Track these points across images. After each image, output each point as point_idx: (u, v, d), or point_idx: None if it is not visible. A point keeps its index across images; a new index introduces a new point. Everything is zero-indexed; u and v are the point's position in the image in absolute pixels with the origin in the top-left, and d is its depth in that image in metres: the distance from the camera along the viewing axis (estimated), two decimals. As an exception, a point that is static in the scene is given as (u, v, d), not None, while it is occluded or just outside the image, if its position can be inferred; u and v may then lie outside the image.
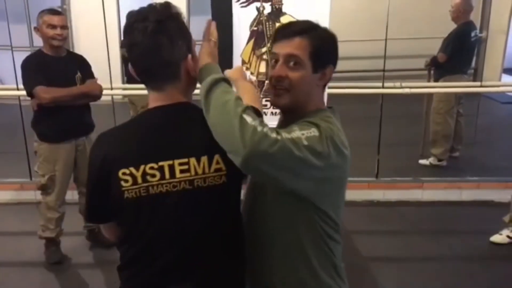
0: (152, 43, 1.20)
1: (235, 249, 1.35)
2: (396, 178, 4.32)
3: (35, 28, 3.04)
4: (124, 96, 5.40)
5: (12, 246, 3.55)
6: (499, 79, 8.07)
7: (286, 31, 1.34)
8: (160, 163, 1.22)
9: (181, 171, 1.22)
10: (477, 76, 7.43)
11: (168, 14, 1.23)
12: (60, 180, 3.14)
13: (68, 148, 3.13)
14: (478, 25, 6.25)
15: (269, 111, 3.17)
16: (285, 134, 1.15)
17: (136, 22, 1.21)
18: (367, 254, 3.39)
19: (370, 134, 4.49)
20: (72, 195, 3.50)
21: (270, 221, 1.34)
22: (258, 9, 3.42)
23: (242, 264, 1.38)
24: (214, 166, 1.24)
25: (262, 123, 1.15)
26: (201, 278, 1.29)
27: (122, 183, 1.22)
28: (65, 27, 3.02)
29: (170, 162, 1.22)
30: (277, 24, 3.44)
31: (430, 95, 4.90)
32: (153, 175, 1.22)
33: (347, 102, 5.20)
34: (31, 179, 4.11)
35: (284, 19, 3.44)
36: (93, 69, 3.24)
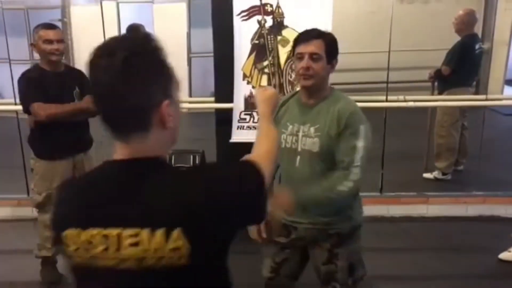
0: (116, 86, 0.97)
1: None
2: (401, 193, 4.25)
3: (31, 44, 2.99)
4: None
5: (8, 264, 3.47)
6: (502, 91, 8.04)
7: (307, 36, 1.93)
8: (107, 230, 0.97)
9: (130, 245, 0.96)
10: (479, 88, 7.39)
11: (142, 48, 1.00)
12: (57, 198, 3.06)
13: (66, 165, 3.06)
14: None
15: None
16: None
17: (101, 57, 0.99)
18: (371, 272, 3.27)
19: (373, 147, 4.40)
20: (70, 212, 3.44)
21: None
22: (259, 22, 3.38)
23: None
24: (171, 244, 0.95)
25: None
26: None
27: (66, 246, 1.01)
28: (61, 41, 2.97)
29: (119, 230, 0.97)
30: (279, 38, 3.40)
31: (434, 108, 4.84)
32: (97, 245, 0.98)
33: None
34: (28, 195, 4.03)
35: (285, 33, 3.40)
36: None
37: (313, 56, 1.87)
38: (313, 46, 1.88)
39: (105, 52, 0.99)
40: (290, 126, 1.97)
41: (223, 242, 1.03)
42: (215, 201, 0.98)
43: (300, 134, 1.93)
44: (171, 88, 1.04)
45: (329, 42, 1.93)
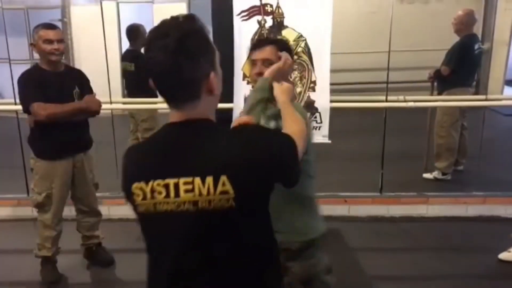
0: (172, 63, 1.14)
1: (245, 276, 1.25)
2: (401, 193, 4.24)
3: (31, 44, 2.98)
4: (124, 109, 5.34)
5: (8, 264, 3.47)
6: (502, 91, 8.05)
7: (260, 43, 2.01)
8: (166, 180, 1.18)
9: (185, 191, 1.16)
10: (479, 88, 7.39)
11: (191, 29, 1.17)
12: (57, 198, 3.07)
13: (66, 165, 3.06)
14: (479, 37, 6.21)
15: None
16: None
17: (156, 39, 1.16)
18: (371, 272, 3.30)
19: (373, 147, 4.43)
20: (70, 211, 3.44)
21: None
22: (259, 22, 3.38)
23: None
24: (220, 188, 1.15)
25: None
26: None
27: (135, 197, 1.22)
28: (61, 41, 2.96)
29: (176, 180, 1.17)
30: (279, 38, 3.40)
31: (434, 108, 4.84)
32: (160, 192, 1.19)
33: (350, 114, 5.20)
34: (28, 195, 4.03)
35: (285, 33, 3.40)
36: (93, 82, 3.18)
37: (265, 62, 1.95)
38: (266, 53, 1.96)
39: (160, 35, 1.16)
40: None
41: (262, 191, 1.23)
42: (254, 156, 1.18)
43: None
44: (215, 60, 1.23)
45: (281, 48, 2.00)
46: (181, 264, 1.23)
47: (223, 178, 1.14)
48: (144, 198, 1.20)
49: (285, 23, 3.38)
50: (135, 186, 1.21)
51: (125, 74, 4.94)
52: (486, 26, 7.92)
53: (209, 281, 1.23)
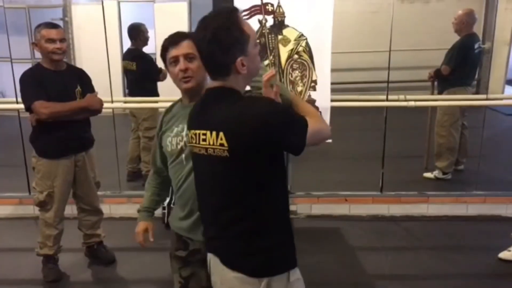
0: (207, 50, 1.50)
1: (245, 215, 1.55)
2: (401, 192, 4.25)
3: (33, 43, 2.99)
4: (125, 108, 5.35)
5: (9, 262, 3.48)
6: (502, 91, 8.04)
7: (175, 39, 1.85)
8: (194, 131, 1.60)
9: (202, 140, 1.55)
10: (480, 87, 7.39)
11: (224, 24, 1.47)
12: (58, 197, 3.08)
13: (67, 164, 3.07)
14: (480, 37, 6.21)
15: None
16: None
17: (199, 30, 1.51)
18: (372, 271, 3.31)
19: (374, 146, 4.44)
20: (71, 210, 3.45)
21: None
22: (260, 21, 3.39)
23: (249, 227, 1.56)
24: (219, 141, 1.49)
25: None
26: (220, 227, 1.60)
27: (190, 139, 1.65)
28: (63, 40, 2.97)
29: (199, 131, 1.57)
30: (280, 37, 3.41)
31: (434, 107, 4.85)
32: (193, 138, 1.61)
33: (351, 113, 5.20)
34: (30, 193, 4.05)
35: (286, 32, 3.41)
36: (94, 81, 3.19)
37: (188, 57, 1.83)
38: (185, 47, 1.83)
39: (201, 26, 1.51)
40: (176, 128, 1.91)
41: (254, 149, 1.47)
42: (246, 119, 1.45)
43: (184, 132, 1.86)
44: (247, 47, 1.51)
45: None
46: (205, 197, 1.65)
47: (221, 133, 1.48)
48: (190, 142, 1.65)
49: (286, 22, 3.38)
50: (187, 132, 1.67)
51: (126, 73, 4.95)
52: (487, 26, 7.92)
53: (230, 216, 1.56)
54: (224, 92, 1.54)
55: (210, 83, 1.60)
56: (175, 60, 1.83)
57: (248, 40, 1.52)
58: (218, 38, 1.46)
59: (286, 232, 1.60)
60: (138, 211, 2.14)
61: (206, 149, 1.53)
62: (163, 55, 1.88)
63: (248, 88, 1.73)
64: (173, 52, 1.83)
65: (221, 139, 1.47)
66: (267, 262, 1.54)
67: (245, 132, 1.45)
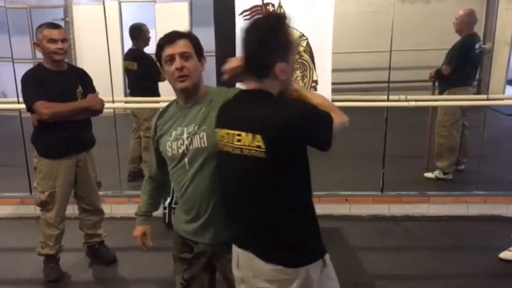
0: (252, 49, 1.60)
1: (281, 210, 1.63)
2: (402, 192, 4.25)
3: (34, 43, 2.99)
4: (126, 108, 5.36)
5: (11, 262, 3.49)
6: (503, 91, 8.04)
7: (170, 37, 1.81)
8: (226, 130, 1.65)
9: (237, 140, 1.60)
10: (481, 87, 7.39)
11: (271, 28, 1.57)
12: (60, 197, 3.08)
13: (69, 164, 3.08)
14: (481, 37, 6.21)
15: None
16: None
17: (246, 32, 1.61)
18: (372, 272, 3.31)
19: (374, 146, 4.44)
20: (73, 209, 3.45)
21: None
22: (261, 22, 3.39)
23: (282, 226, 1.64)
24: (255, 143, 1.55)
25: None
26: (254, 223, 1.66)
27: (219, 138, 1.70)
28: (65, 40, 2.98)
29: (232, 131, 1.62)
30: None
31: (435, 107, 4.85)
32: (224, 138, 1.66)
33: (351, 113, 5.18)
34: (31, 193, 4.06)
35: (287, 32, 3.41)
36: (95, 81, 3.19)
37: (184, 56, 1.78)
38: (181, 46, 1.79)
39: (249, 30, 1.60)
40: (174, 132, 1.87)
41: (291, 149, 1.56)
42: (283, 122, 1.53)
43: (185, 135, 1.83)
44: (289, 54, 1.61)
45: (194, 39, 1.85)
46: (237, 195, 1.69)
47: (258, 136, 1.54)
48: (220, 140, 1.69)
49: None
50: (218, 130, 1.70)
51: (127, 73, 4.96)
52: (487, 26, 7.91)
53: (266, 212, 1.62)
54: (260, 94, 1.62)
55: (247, 83, 1.66)
56: (171, 58, 1.79)
57: (291, 48, 1.62)
58: (264, 39, 1.56)
59: (316, 223, 1.70)
60: (136, 214, 2.14)
61: (242, 149, 1.59)
62: (159, 54, 1.83)
63: None
64: (168, 51, 1.79)
65: (258, 141, 1.54)
66: (304, 252, 1.63)
67: (282, 134, 1.52)
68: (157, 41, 1.86)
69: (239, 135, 1.59)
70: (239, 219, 1.72)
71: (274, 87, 1.63)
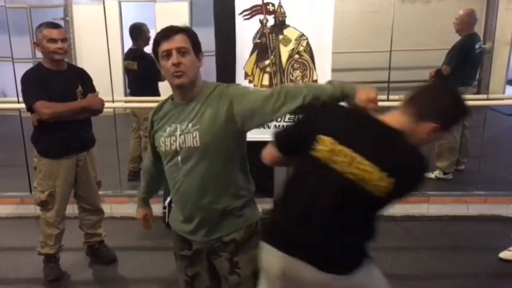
0: (441, 97, 1.62)
1: (358, 230, 1.65)
2: (401, 192, 4.24)
3: (34, 43, 2.99)
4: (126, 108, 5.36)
5: (10, 261, 3.49)
6: (503, 91, 8.03)
7: (168, 32, 1.75)
8: (349, 151, 1.53)
9: (358, 168, 1.51)
10: (480, 87, 7.38)
11: (450, 104, 1.60)
12: (60, 196, 3.08)
13: (69, 163, 3.08)
14: (481, 37, 6.21)
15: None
16: None
17: (450, 91, 1.66)
18: (372, 271, 3.30)
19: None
20: (73, 209, 3.45)
21: None
22: (261, 21, 3.40)
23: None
24: (383, 183, 1.49)
25: None
26: (325, 236, 1.60)
27: (317, 142, 1.56)
28: (65, 40, 2.97)
29: (357, 156, 1.51)
30: (280, 37, 3.42)
31: (435, 107, 4.84)
32: (340, 156, 1.53)
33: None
34: (31, 193, 4.06)
35: (287, 32, 3.42)
36: (95, 81, 3.19)
37: (181, 51, 1.74)
38: (178, 41, 1.74)
39: (435, 100, 1.60)
40: (168, 128, 1.84)
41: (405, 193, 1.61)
42: (422, 180, 1.59)
43: (178, 132, 1.81)
44: (451, 127, 1.64)
45: (192, 35, 1.80)
46: (321, 208, 1.57)
47: (392, 179, 1.48)
48: (324, 150, 1.54)
49: (287, 22, 3.39)
50: (322, 137, 1.55)
51: (127, 72, 4.96)
52: (487, 26, 7.91)
53: (343, 229, 1.60)
54: (397, 131, 1.57)
55: (390, 116, 1.61)
56: (168, 54, 1.75)
57: (450, 117, 1.61)
58: (451, 104, 1.58)
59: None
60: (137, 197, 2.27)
61: (360, 179, 1.51)
62: (155, 50, 1.79)
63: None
64: (165, 46, 1.75)
65: (388, 183, 1.49)
66: (361, 263, 1.69)
67: (413, 187, 1.59)
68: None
69: (365, 164, 1.50)
70: (301, 228, 1.62)
71: (411, 136, 1.58)
